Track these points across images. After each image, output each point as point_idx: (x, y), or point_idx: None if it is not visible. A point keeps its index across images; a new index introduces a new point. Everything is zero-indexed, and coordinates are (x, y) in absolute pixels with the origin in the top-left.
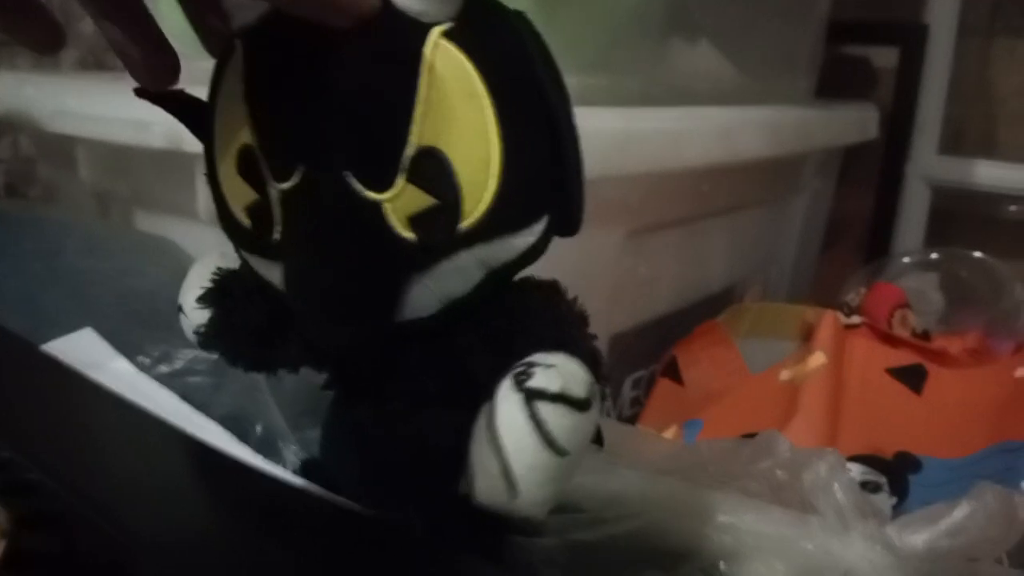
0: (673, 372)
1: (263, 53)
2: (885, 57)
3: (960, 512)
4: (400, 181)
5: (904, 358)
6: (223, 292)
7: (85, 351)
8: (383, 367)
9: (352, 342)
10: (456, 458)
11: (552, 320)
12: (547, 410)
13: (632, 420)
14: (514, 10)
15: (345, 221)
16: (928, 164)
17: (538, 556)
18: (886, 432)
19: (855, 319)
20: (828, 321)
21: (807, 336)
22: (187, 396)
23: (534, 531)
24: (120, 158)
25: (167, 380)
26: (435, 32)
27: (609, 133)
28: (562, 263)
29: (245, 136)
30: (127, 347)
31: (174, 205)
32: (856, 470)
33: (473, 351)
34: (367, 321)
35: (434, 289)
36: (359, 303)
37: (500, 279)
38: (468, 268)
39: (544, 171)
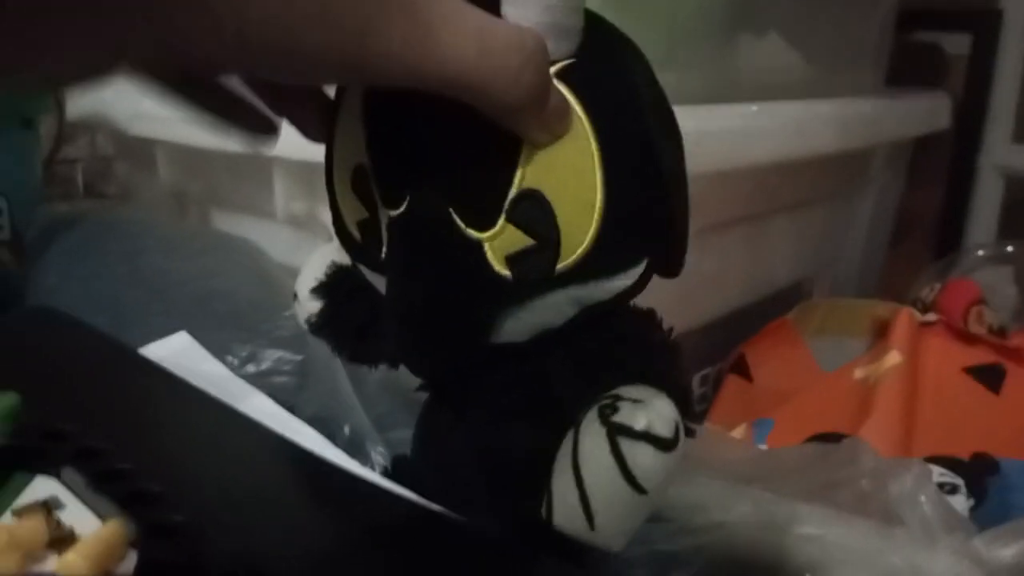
0: (742, 369)
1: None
2: (957, 44)
3: None
4: (501, 221)
5: (981, 357)
6: (335, 286)
7: (182, 354)
8: (473, 378)
9: (439, 370)
10: (532, 476)
11: (643, 351)
12: (630, 447)
13: (700, 417)
14: (634, 49)
15: (445, 256)
16: (1001, 153)
17: (623, 565)
18: (963, 433)
19: (930, 316)
20: (903, 319)
21: (880, 333)
22: (273, 396)
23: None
24: (198, 159)
25: (254, 380)
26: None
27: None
28: None
29: (360, 155)
30: (213, 348)
31: (252, 205)
32: (933, 472)
33: (562, 374)
34: (456, 353)
35: (527, 320)
36: (450, 335)
37: (594, 313)
38: (561, 305)
39: (646, 217)
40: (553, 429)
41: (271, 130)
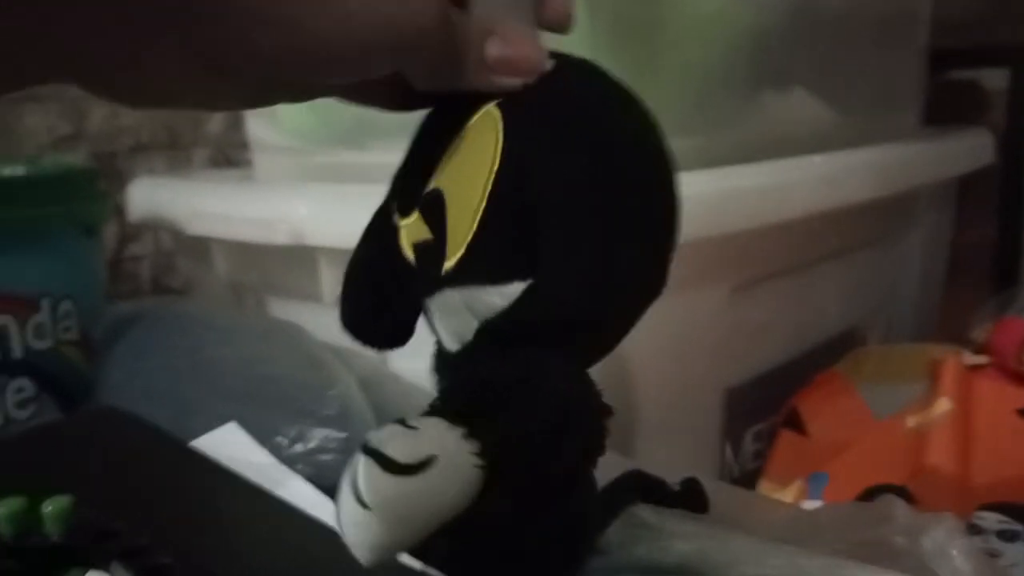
0: (795, 423)
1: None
2: (996, 79)
3: None
4: (415, 212)
5: None
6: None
7: (230, 445)
8: None
9: (360, 327)
10: None
11: (486, 391)
12: (361, 462)
13: (755, 474)
14: (591, 91)
15: (376, 233)
16: None
17: None
18: (1021, 476)
19: (981, 359)
20: (951, 365)
21: (933, 377)
22: (320, 473)
23: None
24: (250, 252)
25: (302, 458)
26: (492, 102)
27: (701, 196)
28: (665, 323)
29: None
30: (264, 431)
31: (301, 292)
32: (991, 519)
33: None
34: (386, 316)
35: (445, 323)
36: (377, 300)
37: (495, 335)
38: (460, 310)
39: (520, 238)
40: None
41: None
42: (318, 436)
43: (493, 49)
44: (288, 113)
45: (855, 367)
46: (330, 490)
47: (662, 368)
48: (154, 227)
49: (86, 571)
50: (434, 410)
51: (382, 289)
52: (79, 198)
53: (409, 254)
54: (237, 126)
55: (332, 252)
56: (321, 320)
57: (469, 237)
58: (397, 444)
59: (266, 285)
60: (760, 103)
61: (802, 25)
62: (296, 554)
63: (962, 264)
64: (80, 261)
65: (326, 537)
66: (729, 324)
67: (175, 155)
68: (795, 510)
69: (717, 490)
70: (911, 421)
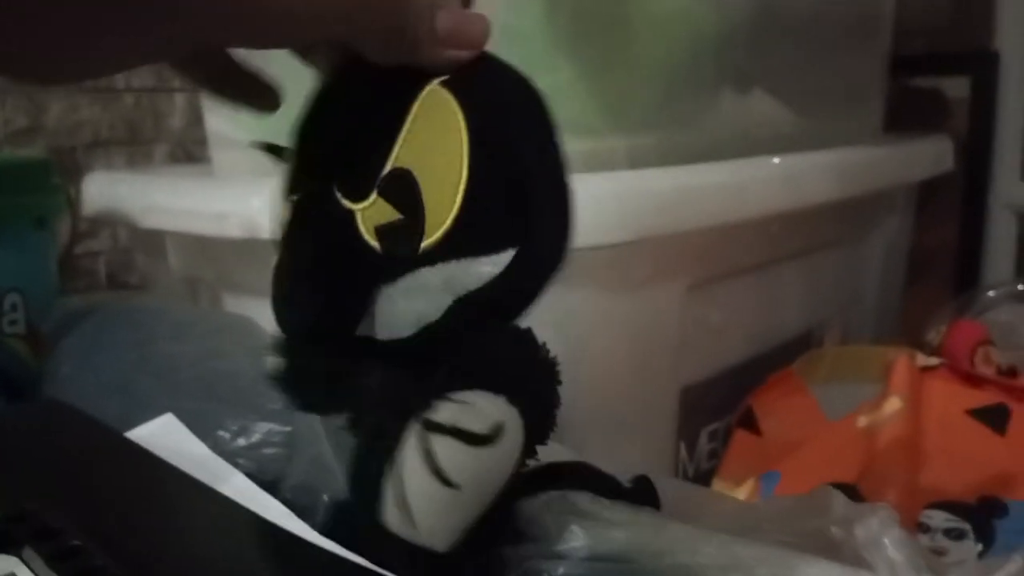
0: (749, 423)
1: (316, 97)
2: (958, 87)
3: (1015, 565)
4: (373, 195)
5: (986, 398)
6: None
7: (166, 436)
8: (352, 395)
9: (307, 329)
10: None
11: (503, 364)
12: (438, 442)
13: (710, 473)
14: (516, 73)
15: (321, 221)
16: (1011, 192)
17: None
18: (969, 476)
19: (933, 360)
20: (902, 365)
21: (887, 376)
22: (263, 467)
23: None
24: (205, 247)
25: (244, 452)
26: (435, 81)
27: (658, 192)
28: (621, 319)
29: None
30: (209, 424)
31: (255, 286)
32: (938, 517)
33: (417, 389)
34: (324, 311)
35: (404, 307)
36: (318, 291)
37: (471, 311)
38: (433, 287)
39: (508, 204)
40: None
41: (275, 99)
42: (261, 430)
43: (444, 22)
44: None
45: (810, 367)
46: (272, 485)
47: (617, 365)
48: (110, 222)
49: None
50: (463, 384)
51: (335, 282)
52: (30, 189)
53: (370, 239)
54: (199, 122)
55: None
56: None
57: (455, 212)
58: (470, 418)
59: (220, 281)
60: (721, 103)
61: (766, 27)
62: (229, 545)
63: (923, 269)
64: (30, 253)
65: (263, 531)
66: (686, 322)
67: (135, 151)
68: (738, 503)
69: (666, 485)
70: (862, 421)
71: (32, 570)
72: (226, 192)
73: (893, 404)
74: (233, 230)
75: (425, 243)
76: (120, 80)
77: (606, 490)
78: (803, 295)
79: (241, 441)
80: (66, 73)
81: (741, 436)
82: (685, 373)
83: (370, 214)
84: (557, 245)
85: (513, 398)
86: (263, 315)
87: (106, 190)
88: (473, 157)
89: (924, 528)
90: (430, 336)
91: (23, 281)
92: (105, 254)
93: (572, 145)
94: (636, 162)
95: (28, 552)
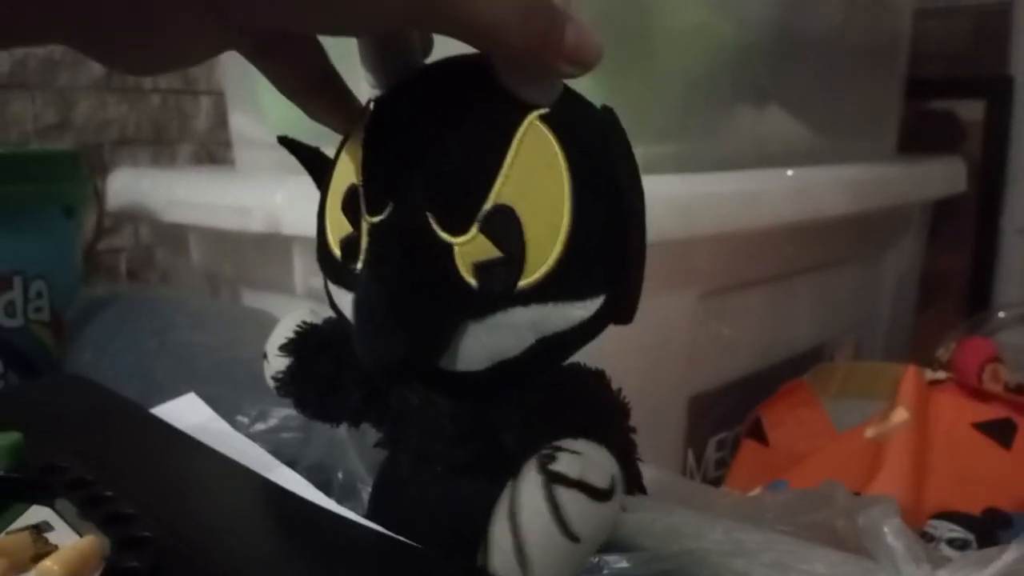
0: (758, 433)
1: (387, 109)
2: (972, 110)
3: (1011, 555)
4: (473, 230)
5: (993, 412)
6: (302, 343)
7: (189, 413)
8: (427, 429)
9: (397, 366)
10: (476, 529)
11: (591, 407)
12: (565, 495)
13: (717, 481)
14: (604, 106)
15: (417, 253)
16: (1023, 216)
17: None
18: (974, 488)
19: (940, 374)
20: (910, 376)
21: (895, 389)
22: (280, 450)
23: None
24: (226, 242)
25: (263, 436)
26: (533, 114)
27: (672, 197)
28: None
29: (354, 175)
30: (228, 408)
31: (274, 282)
32: (943, 527)
33: (508, 425)
34: (414, 347)
35: (486, 342)
36: (411, 327)
37: (551, 350)
38: (521, 327)
39: (608, 252)
40: (496, 480)
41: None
42: (279, 415)
43: (571, 34)
44: (271, 107)
45: (821, 380)
46: (288, 465)
47: (626, 371)
48: (133, 217)
49: (29, 507)
50: (567, 432)
51: (428, 316)
52: (59, 178)
53: (466, 275)
54: (223, 125)
55: (306, 241)
56: (292, 309)
57: (557, 255)
58: (594, 472)
59: (241, 276)
60: (739, 118)
61: (785, 45)
62: (235, 502)
63: (935, 291)
64: (56, 242)
65: (266, 487)
66: (697, 330)
67: (159, 150)
68: (739, 496)
69: (675, 484)
70: (869, 432)
71: (65, 520)
72: (249, 187)
73: (900, 415)
74: (256, 224)
75: (522, 283)
76: (147, 80)
77: None
78: (815, 311)
79: (259, 426)
80: (156, 64)
81: (749, 446)
82: (694, 382)
83: (468, 250)
84: (639, 292)
85: (612, 448)
86: (281, 310)
87: (131, 185)
88: (576, 199)
89: (928, 538)
90: (503, 371)
91: (49, 268)
92: (127, 251)
93: None
94: (652, 172)
95: (61, 503)
